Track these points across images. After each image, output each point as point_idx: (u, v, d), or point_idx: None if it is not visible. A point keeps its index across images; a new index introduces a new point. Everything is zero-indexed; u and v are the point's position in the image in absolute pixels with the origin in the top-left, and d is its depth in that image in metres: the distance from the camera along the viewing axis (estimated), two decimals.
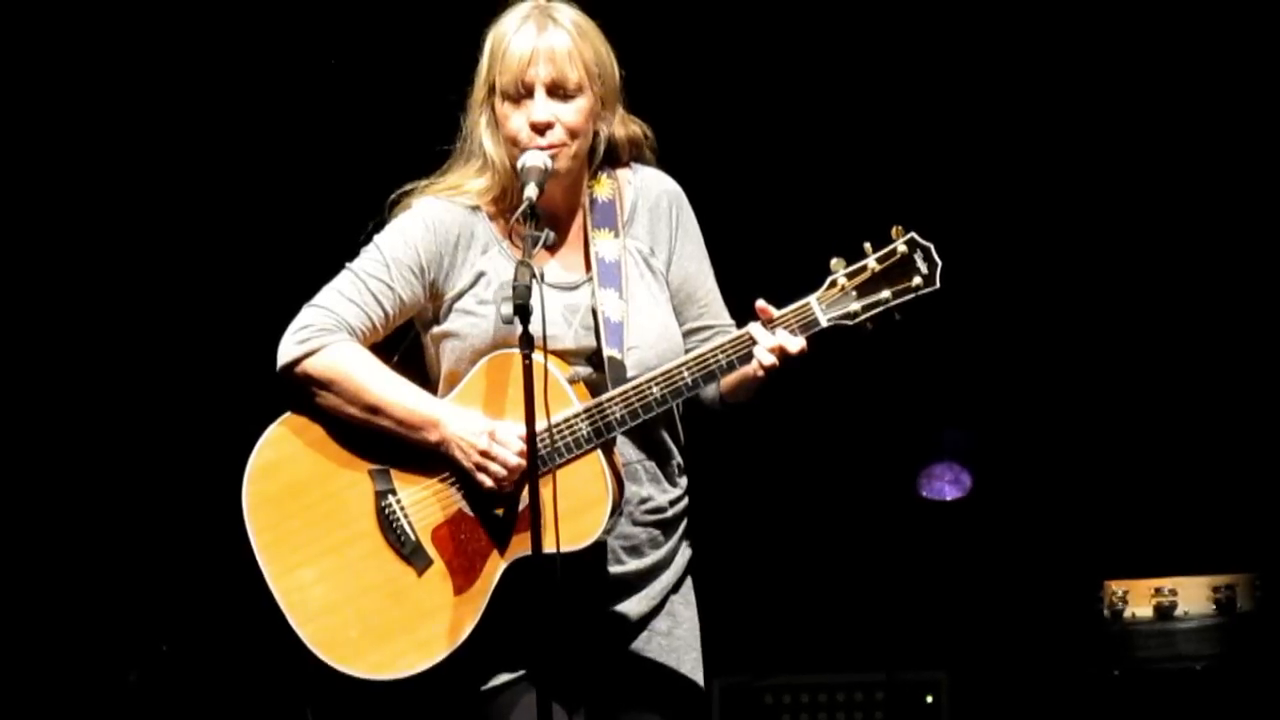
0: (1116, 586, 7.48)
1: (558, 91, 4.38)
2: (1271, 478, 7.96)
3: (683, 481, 4.52)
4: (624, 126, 4.52)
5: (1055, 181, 8.05)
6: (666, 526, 4.47)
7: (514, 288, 4.09)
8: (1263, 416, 8.03)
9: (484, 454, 4.28)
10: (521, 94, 4.37)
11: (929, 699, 7.79)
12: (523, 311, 4.07)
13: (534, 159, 4.33)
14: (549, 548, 4.17)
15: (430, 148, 4.52)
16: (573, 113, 4.38)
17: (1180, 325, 8.11)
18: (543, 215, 4.34)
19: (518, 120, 4.37)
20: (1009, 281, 8.04)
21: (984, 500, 8.42)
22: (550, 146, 4.36)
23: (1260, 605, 7.42)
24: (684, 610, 4.51)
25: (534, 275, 4.11)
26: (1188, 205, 8.03)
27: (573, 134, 4.39)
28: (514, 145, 4.39)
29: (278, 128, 7.76)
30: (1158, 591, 7.46)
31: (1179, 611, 7.43)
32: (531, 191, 4.28)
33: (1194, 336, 8.10)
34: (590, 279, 4.44)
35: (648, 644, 4.45)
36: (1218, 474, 8.04)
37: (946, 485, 8.53)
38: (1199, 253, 8.05)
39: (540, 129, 4.36)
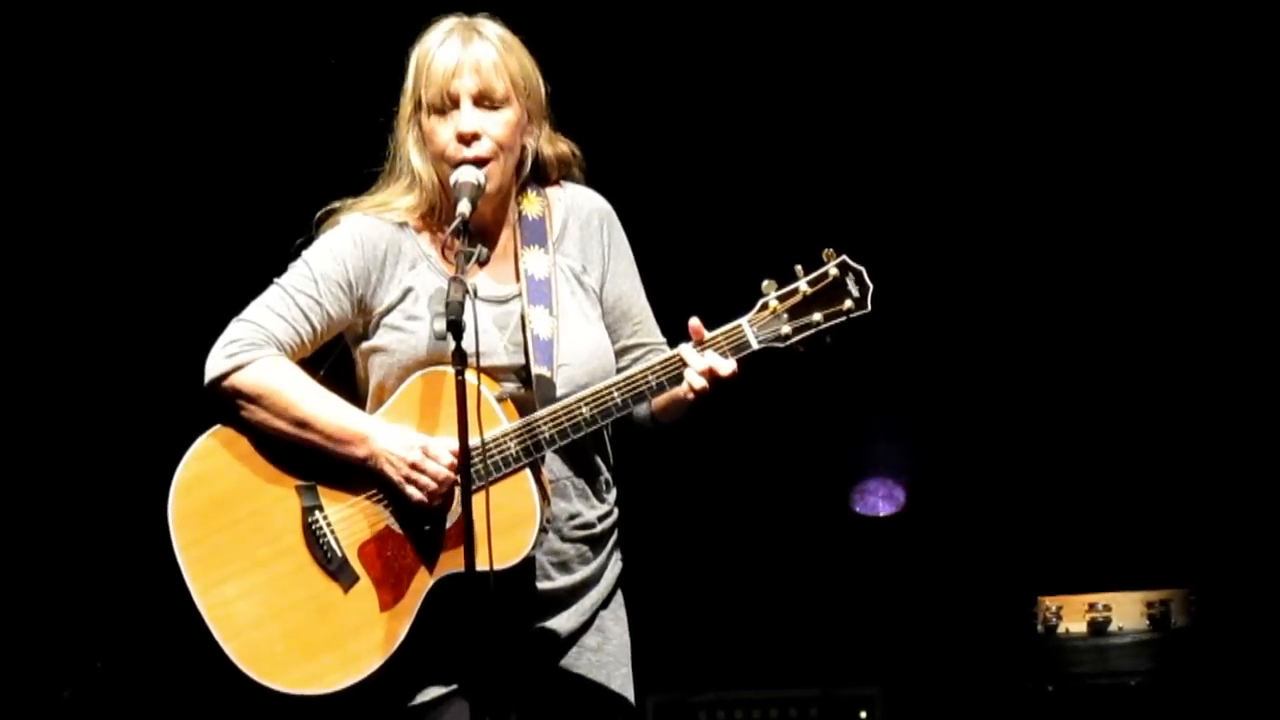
0: (1050, 602, 7.51)
1: (484, 102, 4.38)
2: (1205, 494, 8.00)
3: (611, 497, 4.52)
4: (552, 145, 4.52)
5: (986, 203, 8.09)
6: (595, 542, 4.47)
7: (447, 303, 4.10)
8: (1197, 433, 8.07)
9: (414, 466, 4.28)
10: (448, 105, 4.38)
11: (863, 714, 7.79)
12: (455, 328, 4.07)
13: (467, 175, 4.33)
14: (481, 565, 4.16)
15: (358, 164, 4.52)
16: (500, 124, 4.39)
17: (1113, 343, 8.15)
18: (471, 229, 4.35)
19: (445, 132, 4.38)
20: (941, 298, 8.07)
21: (918, 515, 8.44)
22: (478, 158, 4.37)
23: (1194, 621, 7.45)
24: (614, 626, 4.51)
25: (467, 291, 4.11)
26: (1128, 224, 8.08)
27: (500, 146, 4.39)
28: (441, 159, 4.39)
29: (206, 145, 7.74)
30: (1092, 607, 7.49)
31: (1113, 627, 7.46)
32: (465, 208, 4.28)
33: (1127, 355, 8.14)
34: (520, 294, 4.44)
35: (577, 660, 4.45)
36: (1152, 490, 8.07)
37: (880, 500, 8.56)
38: (1135, 268, 8.10)
39: (467, 139, 4.37)
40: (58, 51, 7.65)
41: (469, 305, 4.11)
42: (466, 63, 4.37)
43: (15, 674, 7.87)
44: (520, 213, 4.51)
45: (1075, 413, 8.19)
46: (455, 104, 4.38)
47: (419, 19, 4.46)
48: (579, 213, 4.54)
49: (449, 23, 4.45)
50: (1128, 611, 7.48)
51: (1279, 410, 7.98)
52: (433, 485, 4.28)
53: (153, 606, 7.46)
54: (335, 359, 4.48)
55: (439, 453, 4.27)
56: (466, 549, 4.08)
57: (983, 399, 8.28)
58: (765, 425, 8.12)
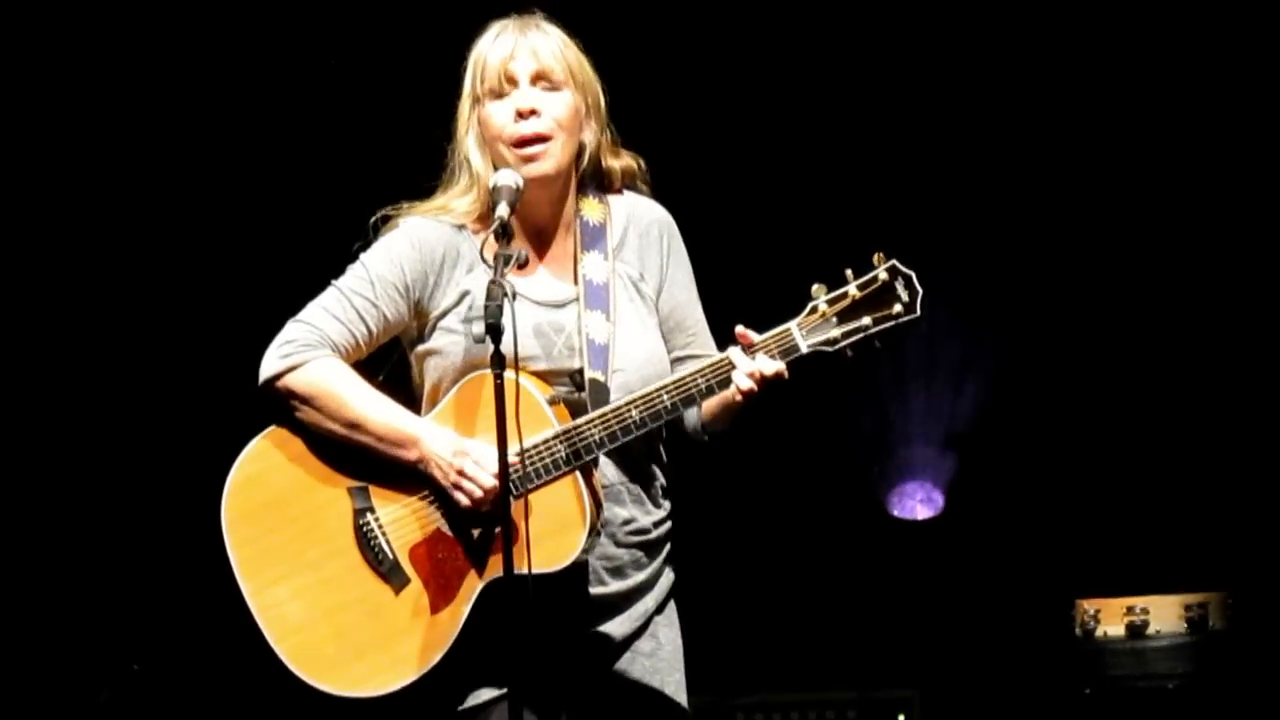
0: (1088, 605, 7.50)
1: (541, 82, 4.39)
2: (1243, 496, 7.99)
3: (667, 504, 4.51)
4: (617, 157, 4.53)
5: (1030, 209, 8.10)
6: (650, 548, 4.46)
7: (485, 306, 4.09)
8: (1234, 436, 8.07)
9: (460, 473, 4.28)
10: (506, 88, 4.39)
11: (901, 717, 7.79)
12: (494, 331, 4.07)
13: (505, 178, 4.32)
14: (522, 569, 4.16)
15: (417, 168, 4.52)
16: (558, 104, 4.39)
17: (1148, 346, 8.15)
18: (529, 228, 4.39)
19: (502, 112, 4.39)
20: (979, 300, 8.08)
21: (957, 519, 8.44)
22: (536, 135, 4.36)
23: (1232, 624, 7.44)
24: (667, 632, 4.50)
25: (505, 294, 4.10)
26: (1160, 230, 8.09)
27: (559, 125, 4.39)
28: (499, 141, 4.39)
29: (266, 146, 7.78)
30: (1130, 610, 7.47)
31: (1151, 630, 7.44)
32: (503, 210, 4.26)
33: (1163, 358, 8.13)
34: (577, 299, 4.44)
35: (631, 665, 4.44)
36: (1190, 493, 8.07)
37: (918, 504, 8.55)
38: (1169, 275, 8.10)
39: (525, 114, 4.37)
40: (134, 56, 7.72)
41: (508, 308, 4.10)
42: (524, 46, 4.39)
43: (52, 675, 7.88)
44: (580, 217, 4.50)
45: (1112, 416, 8.18)
46: (514, 83, 4.39)
47: (478, 25, 4.47)
48: (639, 222, 4.53)
49: (506, 20, 4.46)
50: (1165, 614, 7.46)
51: None
52: (479, 493, 4.28)
53: (188, 607, 7.49)
54: (395, 362, 4.49)
55: (486, 459, 4.26)
56: (505, 553, 4.09)
57: (1020, 403, 8.28)
58: (804, 430, 8.12)
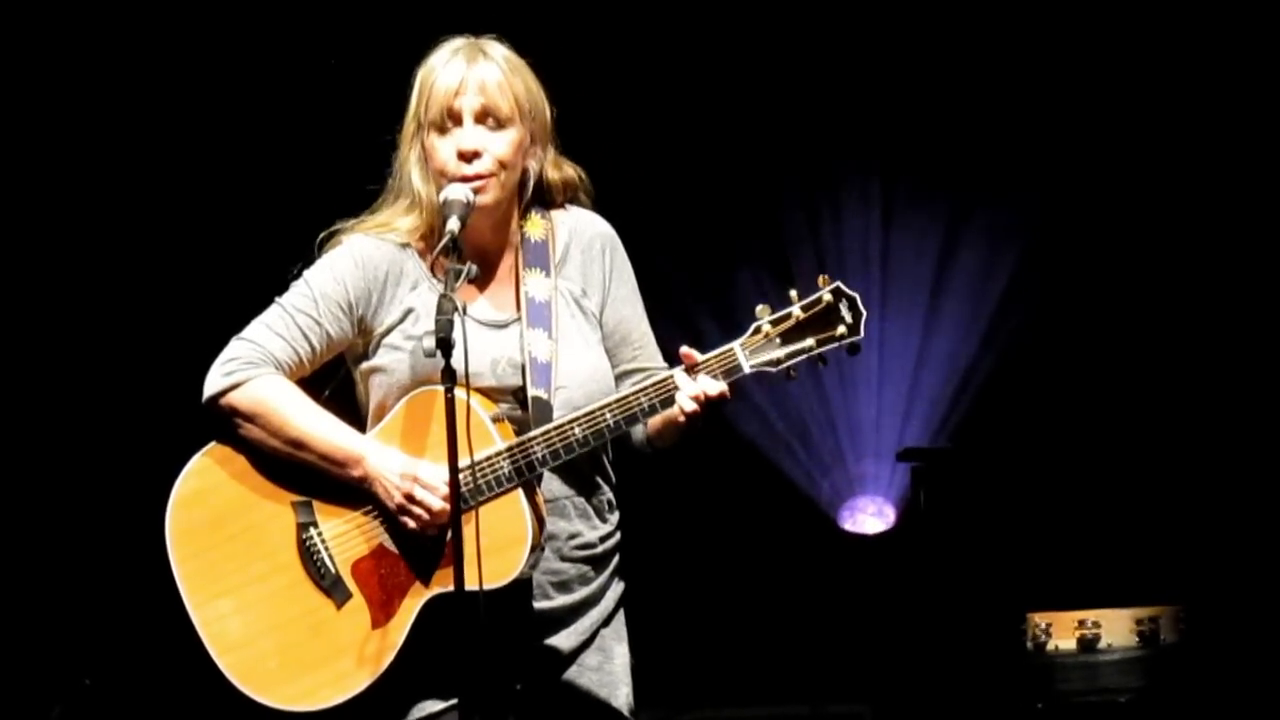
0: (1040, 619, 7.50)
1: (487, 120, 4.38)
2: (1195, 510, 8.02)
3: (614, 518, 4.51)
4: (558, 169, 4.52)
5: (971, 238, 8.15)
6: (596, 562, 4.46)
7: (436, 321, 4.10)
8: (1187, 449, 8.10)
9: (408, 496, 4.28)
10: (450, 123, 4.38)
11: None
12: (445, 345, 4.08)
13: (456, 192, 4.32)
14: (470, 585, 4.17)
15: (361, 187, 4.52)
16: (502, 143, 4.39)
17: (1098, 360, 8.18)
18: (471, 251, 4.35)
19: (445, 149, 4.37)
20: (929, 313, 8.12)
21: (908, 532, 8.45)
22: (478, 175, 4.36)
23: (1184, 637, 7.45)
24: (616, 645, 4.50)
25: (455, 308, 4.11)
26: (1104, 254, 8.14)
27: (501, 165, 4.38)
28: (442, 176, 4.38)
29: (212, 164, 7.77)
30: (1081, 624, 7.47)
31: (1102, 644, 7.45)
32: (454, 225, 4.26)
33: (1113, 371, 8.17)
34: (519, 318, 4.45)
35: (578, 678, 4.44)
36: (1142, 506, 8.09)
37: (870, 518, 8.57)
38: (1111, 289, 8.14)
39: (468, 156, 4.36)
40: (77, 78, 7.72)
41: (458, 322, 4.11)
42: (471, 81, 4.38)
43: (3, 692, 7.86)
44: (523, 235, 4.50)
45: (1064, 429, 8.21)
46: (457, 121, 4.38)
47: (428, 39, 4.46)
48: (581, 236, 4.53)
49: (455, 43, 4.44)
50: (1117, 628, 7.47)
51: (1268, 426, 8.01)
52: (427, 517, 4.29)
53: (142, 622, 7.47)
54: (340, 381, 4.50)
55: (434, 482, 4.28)
56: (455, 569, 4.10)
57: (970, 416, 8.30)
58: (754, 443, 8.14)
